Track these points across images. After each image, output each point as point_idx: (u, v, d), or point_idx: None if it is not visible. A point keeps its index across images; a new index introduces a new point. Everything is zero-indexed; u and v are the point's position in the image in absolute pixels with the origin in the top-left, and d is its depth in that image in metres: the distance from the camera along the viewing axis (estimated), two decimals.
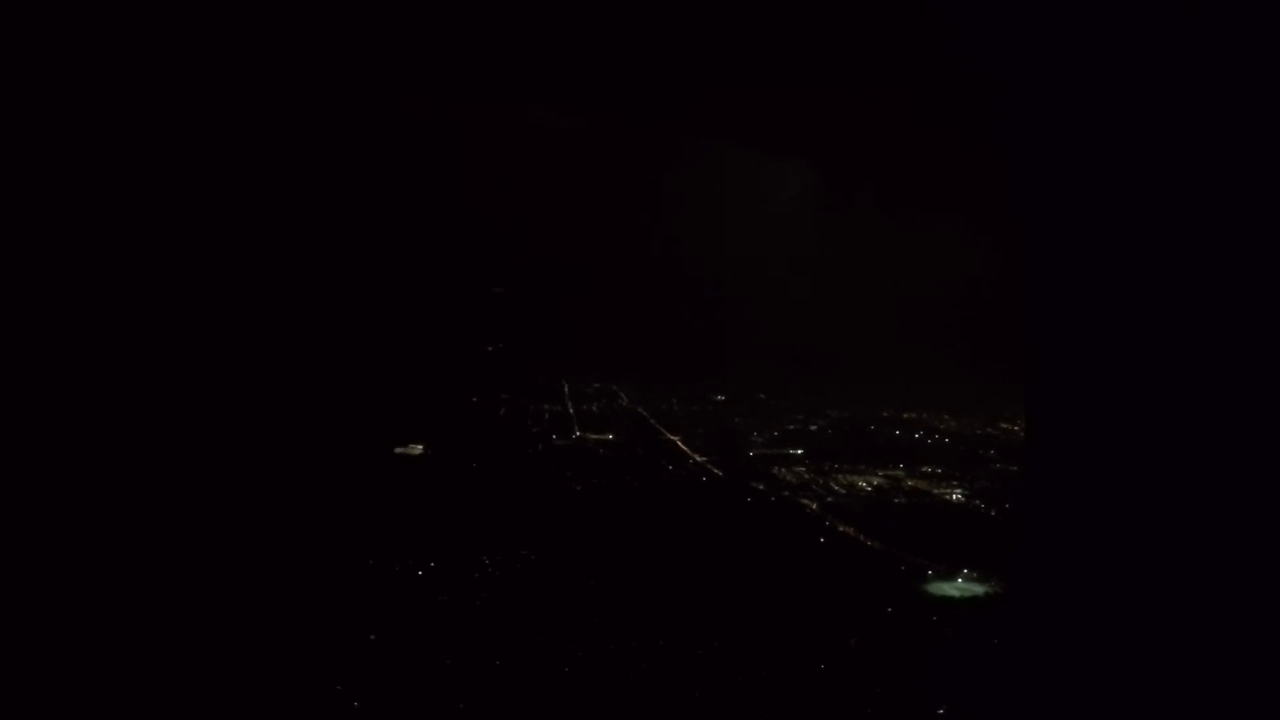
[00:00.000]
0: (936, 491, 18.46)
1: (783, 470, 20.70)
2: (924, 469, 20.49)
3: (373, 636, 11.51)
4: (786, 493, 18.64)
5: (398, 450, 23.16)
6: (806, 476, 19.81)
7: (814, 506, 17.62)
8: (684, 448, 24.19)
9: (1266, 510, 2.98)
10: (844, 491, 18.43)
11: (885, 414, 27.80)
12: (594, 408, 30.74)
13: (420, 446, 23.60)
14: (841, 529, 15.98)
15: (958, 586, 13.50)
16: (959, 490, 18.32)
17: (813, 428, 26.10)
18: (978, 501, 17.24)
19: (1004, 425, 24.35)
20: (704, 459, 22.63)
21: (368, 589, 13.14)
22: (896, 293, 46.52)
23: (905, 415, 27.45)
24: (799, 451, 23.20)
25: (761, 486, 19.46)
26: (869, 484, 19.17)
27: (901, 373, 36.52)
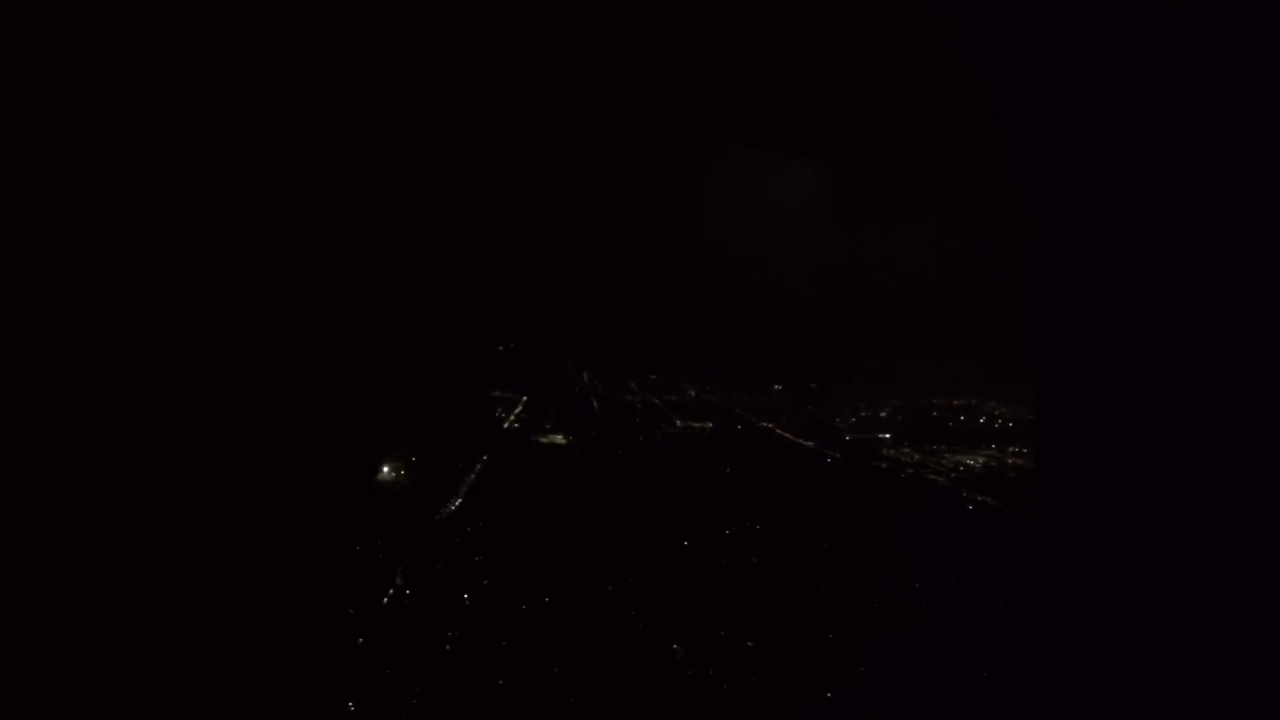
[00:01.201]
0: None
1: (891, 451, 24.02)
2: (1011, 448, 24.07)
3: (697, 596, 14.30)
4: (911, 470, 21.95)
5: (542, 440, 25.68)
6: (916, 456, 23.16)
7: (943, 481, 20.98)
8: (783, 433, 27.30)
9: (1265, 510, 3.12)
10: (961, 468, 21.83)
11: (937, 401, 31.46)
12: (672, 399, 33.59)
13: (560, 435, 26.18)
14: (980, 498, 19.37)
15: None
16: None
17: (883, 414, 29.53)
18: None
19: None
20: (810, 443, 25.76)
21: (650, 560, 15.87)
22: (908, 289, 50.56)
23: (955, 402, 31.13)
24: (887, 435, 26.58)
25: (884, 465, 22.76)
26: (975, 462, 22.63)
27: (927, 363, 40.34)
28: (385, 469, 21.93)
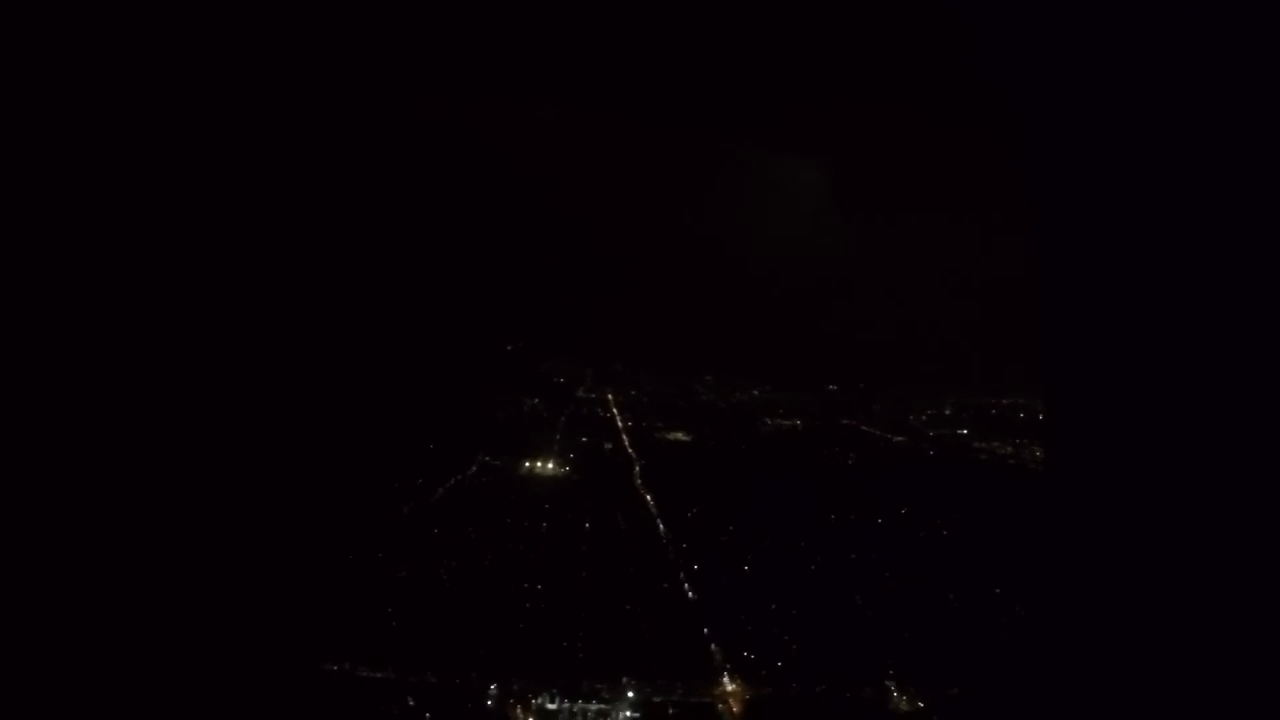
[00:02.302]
0: None
1: (982, 444, 27.06)
2: None
3: (910, 570, 16.92)
4: (1011, 461, 25.04)
5: (667, 437, 27.78)
6: (1008, 449, 26.23)
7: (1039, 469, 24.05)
8: (869, 429, 30.15)
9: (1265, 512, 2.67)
10: None
11: (990, 400, 34.69)
12: (743, 398, 36.12)
13: (680, 433, 28.34)
14: None
15: None
16: None
17: (947, 412, 32.62)
18: None
19: None
20: (900, 438, 28.68)
21: (849, 538, 18.36)
22: (923, 287, 53.86)
23: (1005, 401, 34.41)
24: (964, 432, 29.68)
25: (984, 456, 25.81)
26: None
27: (955, 361, 43.69)
28: (550, 465, 24.03)
